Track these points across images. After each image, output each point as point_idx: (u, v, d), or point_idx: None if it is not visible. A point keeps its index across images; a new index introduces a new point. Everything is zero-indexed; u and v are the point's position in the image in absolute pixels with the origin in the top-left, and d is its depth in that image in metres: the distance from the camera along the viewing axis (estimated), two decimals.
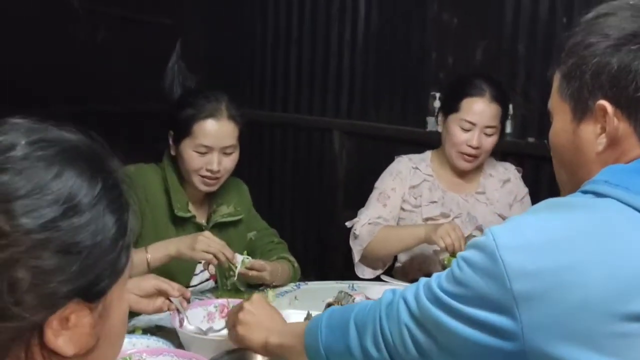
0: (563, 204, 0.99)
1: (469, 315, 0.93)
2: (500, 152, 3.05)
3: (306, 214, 3.76)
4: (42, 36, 3.04)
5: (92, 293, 0.69)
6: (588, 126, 1.01)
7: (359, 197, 3.23)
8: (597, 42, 0.99)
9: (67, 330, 0.67)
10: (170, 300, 1.48)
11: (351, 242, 2.14)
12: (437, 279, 1.01)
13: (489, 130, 2.06)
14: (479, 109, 2.05)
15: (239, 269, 1.71)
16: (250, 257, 1.77)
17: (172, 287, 1.49)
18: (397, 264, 2.22)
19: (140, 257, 1.60)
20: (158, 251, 1.66)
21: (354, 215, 2.26)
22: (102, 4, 3.34)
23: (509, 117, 3.06)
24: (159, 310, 1.50)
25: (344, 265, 3.83)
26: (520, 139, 3.06)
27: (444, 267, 1.99)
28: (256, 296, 1.36)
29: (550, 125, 1.12)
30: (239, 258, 1.73)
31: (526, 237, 0.92)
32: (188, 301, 1.53)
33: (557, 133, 1.08)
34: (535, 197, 2.99)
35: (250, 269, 1.75)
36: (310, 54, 3.66)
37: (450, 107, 2.09)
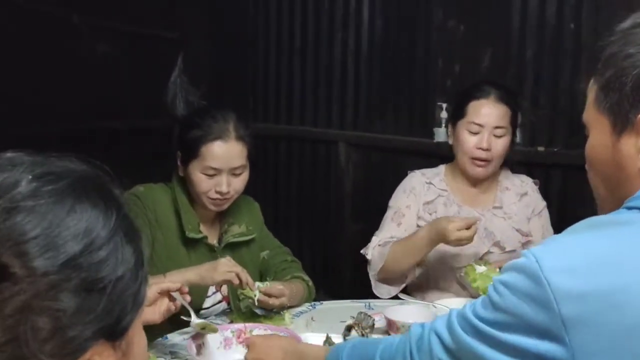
0: (607, 222, 0.94)
1: (512, 344, 0.88)
2: (509, 162, 3.01)
3: (312, 228, 3.71)
4: (41, 54, 3.00)
5: (116, 331, 0.65)
6: (629, 140, 0.96)
7: (367, 210, 3.19)
8: (637, 52, 0.95)
9: None
10: (174, 298, 1.44)
11: (368, 270, 2.09)
12: (472, 307, 0.97)
13: (498, 132, 2.01)
14: (486, 111, 2.02)
15: (257, 296, 1.65)
16: (267, 282, 1.72)
17: (171, 281, 1.48)
18: (413, 281, 2.16)
19: (158, 282, 1.55)
20: (177, 279, 1.61)
21: (361, 228, 2.21)
22: (102, 19, 3.29)
23: (518, 125, 3.03)
24: (168, 313, 1.46)
25: (352, 279, 3.79)
26: (529, 148, 3.01)
27: (458, 282, 1.93)
28: (254, 339, 1.35)
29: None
30: (255, 287, 1.68)
31: (572, 258, 0.88)
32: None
33: (595, 147, 1.03)
34: (547, 208, 2.95)
35: (269, 295, 1.69)
36: (313, 64, 3.61)
37: (457, 114, 2.06)
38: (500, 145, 2.01)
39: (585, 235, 0.92)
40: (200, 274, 1.63)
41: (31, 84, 2.96)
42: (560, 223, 2.96)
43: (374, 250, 2.06)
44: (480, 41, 3.10)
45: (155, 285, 1.45)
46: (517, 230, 2.06)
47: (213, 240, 1.88)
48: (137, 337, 0.69)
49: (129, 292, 0.65)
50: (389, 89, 3.39)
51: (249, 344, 1.35)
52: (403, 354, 1.02)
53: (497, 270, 1.77)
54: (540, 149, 3.00)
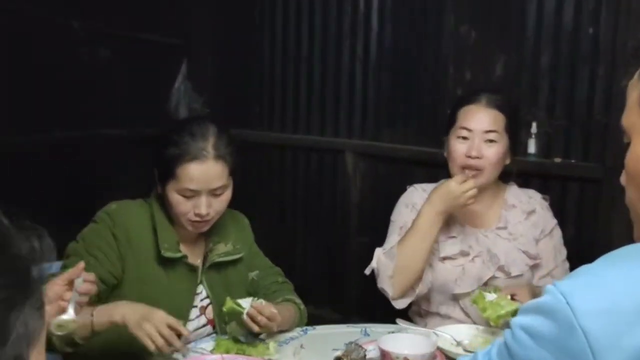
0: None
1: None
2: (524, 174, 2.87)
3: (318, 239, 3.59)
4: (41, 59, 2.94)
5: None
6: None
7: (374, 221, 3.07)
8: None
9: None
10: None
11: (379, 285, 1.92)
12: (486, 357, 0.80)
13: (490, 136, 1.85)
14: (475, 115, 1.88)
15: (247, 309, 1.54)
16: (261, 300, 1.60)
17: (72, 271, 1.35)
18: (414, 306, 2.02)
19: (85, 319, 1.43)
20: (103, 315, 1.48)
21: (367, 241, 2.09)
22: (103, 24, 3.22)
23: (532, 136, 2.89)
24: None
25: (358, 292, 3.67)
26: (546, 159, 2.87)
27: (461, 308, 1.79)
28: None
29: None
30: (248, 301, 1.56)
31: (612, 297, 0.71)
32: None
33: (638, 157, 0.88)
34: (562, 223, 2.79)
35: (260, 312, 1.57)
36: (320, 71, 3.50)
37: (449, 122, 1.93)
38: (492, 152, 1.86)
39: (627, 267, 0.76)
40: (125, 319, 1.46)
41: (30, 89, 2.91)
42: (577, 239, 2.82)
43: (379, 259, 1.90)
44: (493, 48, 2.96)
45: (51, 285, 1.33)
46: (524, 252, 1.91)
47: (195, 259, 1.76)
48: None
49: None
50: (397, 98, 3.26)
51: None
52: None
53: (509, 298, 1.63)
54: (557, 160, 2.86)
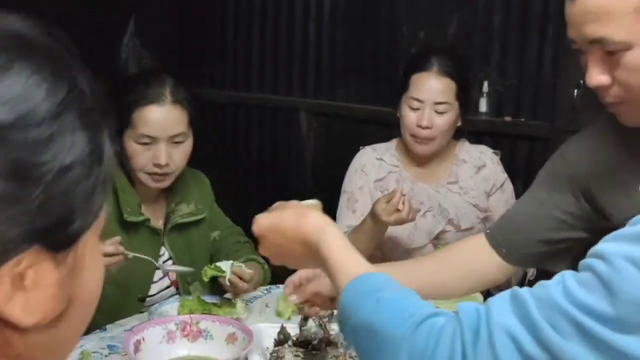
0: None
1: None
2: (475, 132, 2.93)
3: (273, 198, 3.58)
4: None
5: (59, 239, 0.48)
6: None
7: (328, 179, 3.10)
8: None
9: (22, 291, 0.47)
10: None
11: None
12: (565, 292, 0.65)
13: (440, 107, 1.86)
14: (426, 84, 1.86)
15: (228, 276, 1.52)
16: (242, 265, 1.58)
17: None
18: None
19: None
20: None
21: (322, 198, 2.09)
22: None
23: (484, 95, 2.95)
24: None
25: None
26: (496, 117, 2.93)
27: None
28: (263, 231, 1.10)
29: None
30: (227, 264, 1.54)
31: None
32: None
33: None
34: (511, 180, 2.88)
35: (241, 278, 1.55)
36: (273, 29, 3.45)
37: (402, 87, 1.92)
38: (442, 121, 1.88)
39: None
40: None
41: None
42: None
43: None
44: (446, 7, 2.98)
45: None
46: (474, 206, 1.95)
47: (157, 222, 1.72)
48: (89, 259, 0.52)
49: (78, 190, 0.49)
50: (352, 56, 3.26)
51: (258, 236, 1.09)
52: (451, 348, 0.71)
53: None
54: (507, 118, 2.93)
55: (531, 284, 1.93)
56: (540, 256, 1.32)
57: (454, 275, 1.33)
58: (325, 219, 1.02)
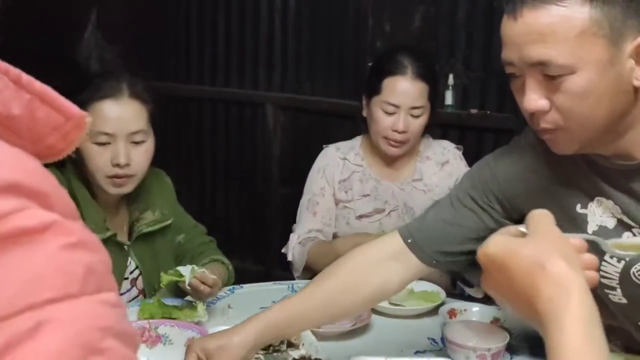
0: None
1: None
2: (442, 125, 2.94)
3: (241, 193, 3.57)
4: None
5: None
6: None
7: (295, 173, 3.07)
8: None
9: None
10: None
11: (294, 274, 1.96)
12: None
13: (415, 112, 1.86)
14: (402, 89, 1.84)
15: (187, 280, 1.46)
16: (205, 270, 1.49)
17: None
18: None
19: None
20: None
21: (290, 192, 2.09)
22: None
23: (450, 88, 2.95)
24: None
25: (281, 244, 3.69)
26: (462, 110, 2.94)
27: None
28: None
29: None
30: (187, 268, 1.48)
31: None
32: None
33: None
34: None
35: (203, 282, 1.47)
36: (239, 22, 3.41)
37: (372, 88, 1.88)
38: (417, 125, 1.88)
39: None
40: None
41: None
42: None
43: (294, 250, 1.93)
44: (411, 0, 2.97)
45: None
46: None
47: (123, 234, 1.64)
48: None
49: None
50: (318, 50, 3.23)
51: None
52: None
53: None
54: (473, 111, 2.93)
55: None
56: (462, 263, 1.27)
57: (367, 297, 1.25)
58: (574, 279, 0.70)
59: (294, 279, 1.94)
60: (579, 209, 1.16)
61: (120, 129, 1.52)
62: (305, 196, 2.02)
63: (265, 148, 3.42)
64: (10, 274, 0.39)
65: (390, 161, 1.98)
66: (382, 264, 1.24)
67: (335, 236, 2.00)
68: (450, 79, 2.94)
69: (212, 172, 3.61)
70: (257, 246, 3.52)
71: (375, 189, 1.95)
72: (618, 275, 1.17)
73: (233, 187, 3.58)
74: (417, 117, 1.87)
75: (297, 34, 3.27)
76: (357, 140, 2.05)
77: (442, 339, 1.40)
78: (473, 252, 1.17)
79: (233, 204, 3.60)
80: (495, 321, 1.52)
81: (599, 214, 1.14)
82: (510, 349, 1.43)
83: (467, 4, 2.87)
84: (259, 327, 1.15)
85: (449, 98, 2.96)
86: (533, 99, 1.02)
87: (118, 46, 3.49)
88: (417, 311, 1.60)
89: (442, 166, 1.99)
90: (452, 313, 1.56)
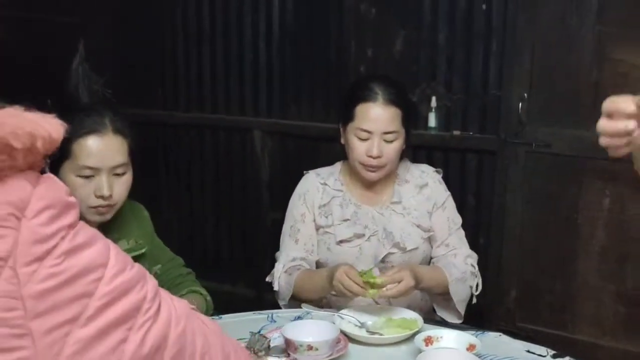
0: None
1: None
2: (425, 147, 2.97)
3: (230, 220, 3.60)
4: None
5: None
6: None
7: (285, 197, 3.11)
8: None
9: None
10: None
11: (280, 302, 1.99)
12: None
13: (389, 137, 1.89)
14: (374, 115, 1.87)
15: None
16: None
17: None
18: None
19: None
20: None
21: (280, 216, 2.11)
22: None
23: (433, 110, 2.99)
24: None
25: (272, 268, 3.71)
26: (445, 132, 2.98)
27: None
28: None
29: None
30: None
31: None
32: None
33: None
34: (462, 193, 2.94)
35: None
36: (223, 49, 3.46)
37: (346, 116, 1.92)
38: (392, 149, 1.91)
39: None
40: None
41: None
42: (477, 207, 2.96)
43: (280, 280, 1.95)
44: (392, 25, 3.02)
45: None
46: (418, 226, 1.97)
47: None
48: None
49: None
50: (302, 75, 3.28)
51: None
52: None
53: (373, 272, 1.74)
54: (456, 132, 2.97)
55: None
56: None
57: None
58: None
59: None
60: None
61: (103, 163, 1.58)
62: (287, 223, 2.05)
63: (254, 173, 3.45)
64: None
65: (369, 185, 2.01)
66: None
67: (318, 262, 2.02)
68: (433, 102, 2.98)
69: (202, 198, 3.64)
70: (249, 270, 3.54)
71: (355, 214, 1.97)
72: None
73: (223, 213, 3.61)
74: (390, 142, 1.90)
75: (282, 60, 3.32)
76: (337, 167, 2.08)
77: None
78: None
79: (224, 230, 3.62)
80: (471, 347, 1.55)
81: None
82: None
83: (446, 29, 2.92)
84: None
85: (432, 120, 3.00)
86: None
87: (105, 76, 3.55)
88: (394, 339, 1.62)
89: (420, 189, 2.02)
90: (428, 340, 1.58)
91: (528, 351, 1.59)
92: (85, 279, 0.62)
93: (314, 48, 3.23)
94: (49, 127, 0.67)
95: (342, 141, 1.98)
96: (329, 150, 3.14)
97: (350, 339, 1.61)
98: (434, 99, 2.98)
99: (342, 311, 1.75)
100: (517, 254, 2.87)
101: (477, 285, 1.95)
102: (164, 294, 0.70)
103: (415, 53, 2.99)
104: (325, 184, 2.03)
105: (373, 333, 1.66)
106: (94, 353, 0.61)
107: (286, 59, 3.32)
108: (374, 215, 1.99)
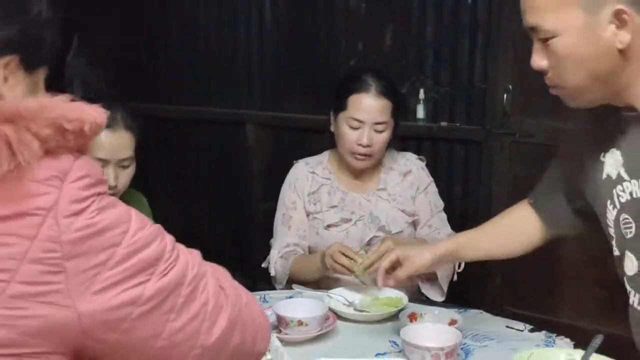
0: None
1: None
2: (414, 137, 3.06)
3: (223, 210, 3.68)
4: None
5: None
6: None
7: (276, 188, 3.21)
8: None
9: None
10: None
11: (273, 282, 2.08)
12: None
13: (379, 127, 1.99)
14: (366, 105, 1.97)
15: None
16: None
17: None
18: None
19: None
20: None
21: (272, 207, 2.19)
22: None
23: (421, 102, 3.07)
24: None
25: (265, 257, 3.79)
26: (433, 123, 3.06)
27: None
28: None
29: None
30: None
31: None
32: None
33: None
34: (450, 181, 3.02)
35: None
36: (217, 45, 3.54)
37: (339, 105, 2.02)
38: (381, 139, 2.00)
39: None
40: None
41: None
42: (464, 195, 3.05)
43: (277, 265, 2.04)
44: (382, 20, 3.10)
45: None
46: (402, 211, 2.07)
47: None
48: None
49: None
50: (294, 69, 3.36)
51: None
52: None
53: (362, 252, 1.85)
54: (443, 124, 3.06)
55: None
56: (575, 227, 1.51)
57: (517, 248, 1.60)
58: None
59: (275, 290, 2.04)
60: (602, 157, 1.30)
61: (112, 156, 1.69)
62: (279, 211, 2.14)
63: (246, 165, 3.53)
64: None
65: (356, 174, 2.10)
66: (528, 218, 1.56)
67: (310, 248, 2.10)
68: (421, 94, 3.07)
69: (196, 191, 3.71)
70: (243, 260, 3.61)
71: (343, 200, 2.06)
72: (613, 222, 1.29)
73: (217, 205, 3.69)
74: (380, 132, 1.99)
75: (275, 54, 3.40)
76: (325, 155, 2.17)
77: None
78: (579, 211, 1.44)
79: (218, 221, 3.70)
80: (453, 322, 1.63)
81: (609, 164, 1.28)
82: (466, 348, 1.54)
83: (433, 23, 3.00)
84: (440, 252, 1.59)
85: (420, 112, 3.08)
86: (535, 60, 1.22)
87: (99, 70, 3.61)
88: (380, 316, 1.71)
89: (404, 176, 2.11)
90: (412, 317, 1.67)
91: (507, 326, 1.68)
92: (113, 232, 0.75)
93: (305, 44, 3.30)
94: (94, 113, 0.79)
95: (332, 129, 2.07)
96: (319, 142, 3.21)
97: (339, 316, 1.70)
98: (422, 91, 3.06)
99: (331, 291, 1.84)
100: None
101: (459, 264, 2.04)
102: (181, 246, 0.85)
103: (404, 47, 3.08)
104: (314, 173, 2.11)
105: (361, 311, 1.75)
106: (119, 289, 0.74)
107: (278, 53, 3.40)
108: (361, 201, 2.07)
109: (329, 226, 2.05)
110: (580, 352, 1.39)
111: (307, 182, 2.10)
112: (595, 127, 1.32)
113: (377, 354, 1.52)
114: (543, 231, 1.56)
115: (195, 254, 0.86)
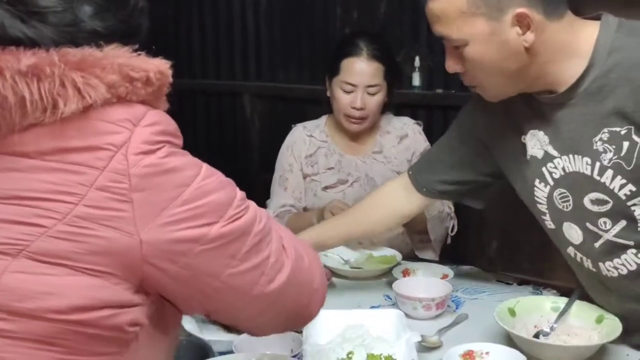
0: None
1: None
2: (410, 105, 3.09)
3: None
4: None
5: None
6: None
7: (274, 158, 3.25)
8: None
9: None
10: None
11: None
12: None
13: (372, 90, 2.02)
14: (358, 69, 2.01)
15: None
16: None
17: None
18: None
19: None
20: None
21: (271, 177, 2.23)
22: None
23: (416, 70, 3.10)
24: None
25: None
26: (428, 91, 3.09)
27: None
28: None
29: None
30: None
31: None
32: None
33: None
34: None
35: None
36: (213, 17, 3.55)
37: (332, 70, 2.06)
38: (374, 102, 2.03)
39: None
40: None
41: None
42: None
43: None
44: None
45: None
46: (397, 173, 2.09)
47: None
48: None
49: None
50: (290, 39, 3.38)
51: None
52: None
53: None
54: (439, 91, 3.08)
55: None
56: (456, 193, 1.59)
57: (381, 218, 1.62)
58: None
59: None
60: (523, 139, 1.35)
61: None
62: (277, 173, 2.18)
63: (244, 136, 3.56)
64: None
65: (353, 136, 2.13)
66: (395, 192, 1.61)
67: (305, 209, 2.15)
68: (417, 62, 3.09)
69: None
70: None
71: (339, 162, 2.10)
72: (546, 199, 1.34)
73: None
74: (373, 94, 2.02)
75: (270, 25, 3.42)
76: (322, 120, 2.21)
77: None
78: (467, 182, 1.52)
79: None
80: (445, 276, 1.68)
81: (531, 145, 1.32)
82: (456, 300, 1.59)
83: None
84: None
85: (416, 79, 3.11)
86: (449, 65, 1.28)
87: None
88: (374, 272, 1.76)
89: (400, 140, 2.14)
90: (405, 272, 1.72)
91: (498, 280, 1.73)
92: (183, 173, 0.78)
93: (300, 13, 3.32)
94: (157, 62, 0.84)
95: (328, 94, 2.10)
96: (317, 110, 3.24)
97: (334, 273, 1.74)
98: (417, 59, 3.08)
99: (328, 250, 1.88)
100: (498, 208, 3.00)
101: (452, 227, 2.08)
102: (251, 202, 0.86)
103: (399, 15, 3.09)
104: (312, 136, 2.15)
105: (356, 268, 1.79)
106: (184, 225, 0.77)
107: (274, 25, 3.41)
108: (357, 163, 2.11)
109: (326, 187, 2.09)
110: (564, 300, 1.44)
111: (305, 145, 2.14)
112: (507, 113, 1.36)
113: (372, 307, 1.57)
114: (414, 198, 1.59)
115: (265, 211, 0.88)
